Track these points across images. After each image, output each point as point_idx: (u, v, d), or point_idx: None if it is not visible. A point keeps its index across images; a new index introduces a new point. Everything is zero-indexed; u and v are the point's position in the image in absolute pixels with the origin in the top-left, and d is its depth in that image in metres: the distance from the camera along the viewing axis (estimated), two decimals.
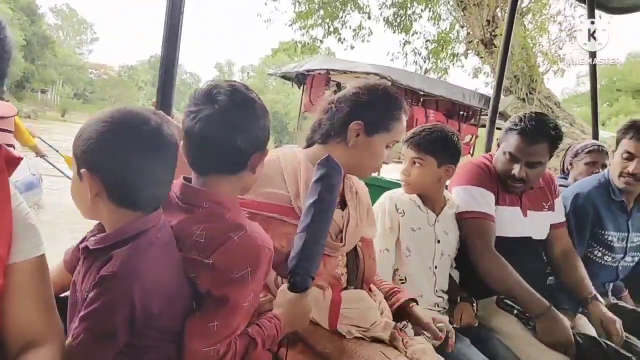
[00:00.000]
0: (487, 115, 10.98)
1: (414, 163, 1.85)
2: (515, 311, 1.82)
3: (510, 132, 1.92)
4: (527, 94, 6.78)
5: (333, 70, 8.39)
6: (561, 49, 8.90)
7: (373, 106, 1.41)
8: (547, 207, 2.09)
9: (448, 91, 8.97)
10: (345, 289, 1.41)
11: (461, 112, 9.70)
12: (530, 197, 2.05)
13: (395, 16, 11.68)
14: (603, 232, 2.20)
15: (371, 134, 1.41)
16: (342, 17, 11.78)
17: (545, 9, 8.03)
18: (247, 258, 1.03)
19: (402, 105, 1.46)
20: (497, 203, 1.95)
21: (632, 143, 2.09)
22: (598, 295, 1.95)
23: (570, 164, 2.83)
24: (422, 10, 11.40)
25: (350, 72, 8.13)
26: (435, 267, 1.85)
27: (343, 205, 1.47)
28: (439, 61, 11.08)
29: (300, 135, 1.59)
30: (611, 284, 2.33)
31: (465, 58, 10.69)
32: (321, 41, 13.75)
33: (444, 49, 11.25)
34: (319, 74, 8.67)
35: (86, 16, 66.54)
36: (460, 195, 1.96)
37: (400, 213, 1.83)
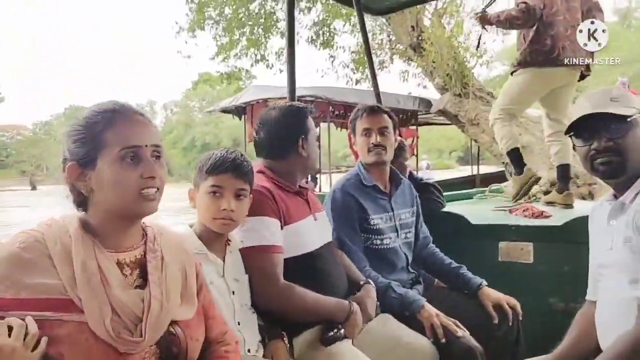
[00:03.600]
0: (425, 115, 11.32)
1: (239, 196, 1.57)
2: (337, 334, 1.66)
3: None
4: (462, 89, 7.17)
5: (270, 98, 8.44)
6: (485, 43, 9.52)
7: (75, 137, 1.11)
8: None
9: (383, 100, 9.18)
10: None
11: (400, 116, 10.05)
12: (311, 199, 1.95)
13: (317, 34, 11.89)
14: (368, 218, 2.17)
15: (92, 166, 1.09)
16: (265, 44, 11.82)
17: (460, 8, 8.55)
18: None
19: (117, 109, 1.12)
20: (288, 222, 1.74)
21: (365, 120, 2.29)
22: (370, 280, 1.97)
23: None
24: (343, 25, 11.71)
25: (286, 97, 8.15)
26: (239, 324, 1.55)
27: (143, 282, 1.13)
28: (366, 70, 11.38)
29: None
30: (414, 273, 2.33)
31: (392, 63, 11.08)
32: (247, 71, 13.77)
33: None
34: (258, 102, 8.69)
35: None
36: (236, 230, 1.67)
37: None
